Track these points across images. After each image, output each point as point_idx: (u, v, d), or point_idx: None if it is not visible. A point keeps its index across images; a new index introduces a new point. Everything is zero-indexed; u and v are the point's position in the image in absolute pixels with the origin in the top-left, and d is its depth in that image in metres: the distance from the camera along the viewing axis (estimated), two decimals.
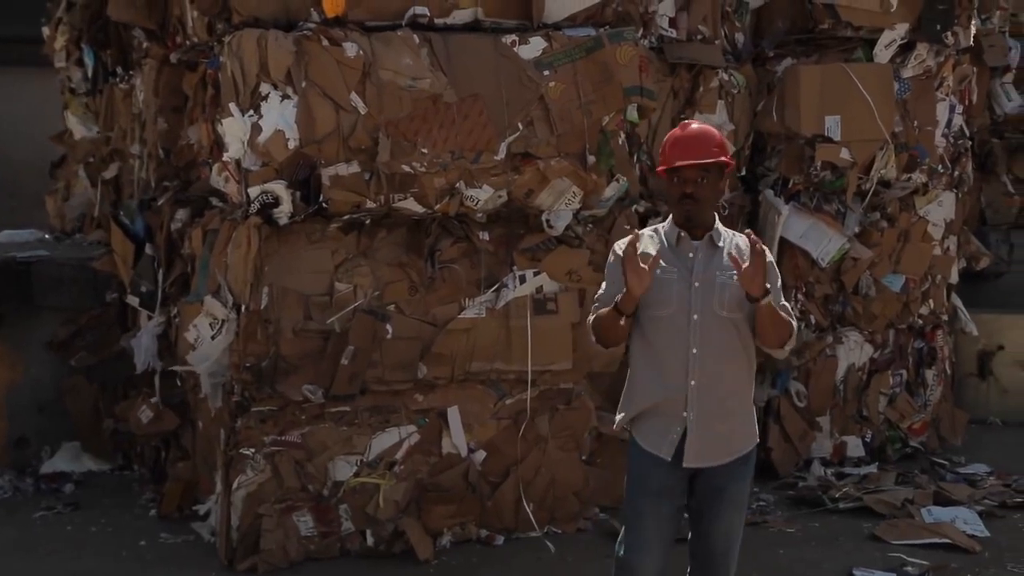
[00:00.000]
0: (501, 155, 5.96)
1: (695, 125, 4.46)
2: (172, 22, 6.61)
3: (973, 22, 8.08)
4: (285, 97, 5.68)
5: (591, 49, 6.13)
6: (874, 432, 7.80)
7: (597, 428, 6.44)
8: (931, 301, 8.04)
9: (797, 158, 7.53)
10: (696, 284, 4.27)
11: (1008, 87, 9.45)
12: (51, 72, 8.97)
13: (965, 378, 8.80)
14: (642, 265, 4.12)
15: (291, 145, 5.69)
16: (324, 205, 5.77)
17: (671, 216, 4.40)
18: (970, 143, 8.45)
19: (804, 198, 7.59)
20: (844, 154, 7.45)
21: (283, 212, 5.74)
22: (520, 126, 5.99)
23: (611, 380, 6.32)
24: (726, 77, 7.45)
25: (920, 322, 8.02)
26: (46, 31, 8.82)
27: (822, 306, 7.68)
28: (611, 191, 6.29)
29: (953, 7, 7.74)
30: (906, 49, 7.65)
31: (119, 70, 7.67)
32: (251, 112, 5.66)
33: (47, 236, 8.95)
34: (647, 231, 4.43)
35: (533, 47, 6.05)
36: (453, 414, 6.18)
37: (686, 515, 4.46)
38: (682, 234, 4.33)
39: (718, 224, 4.37)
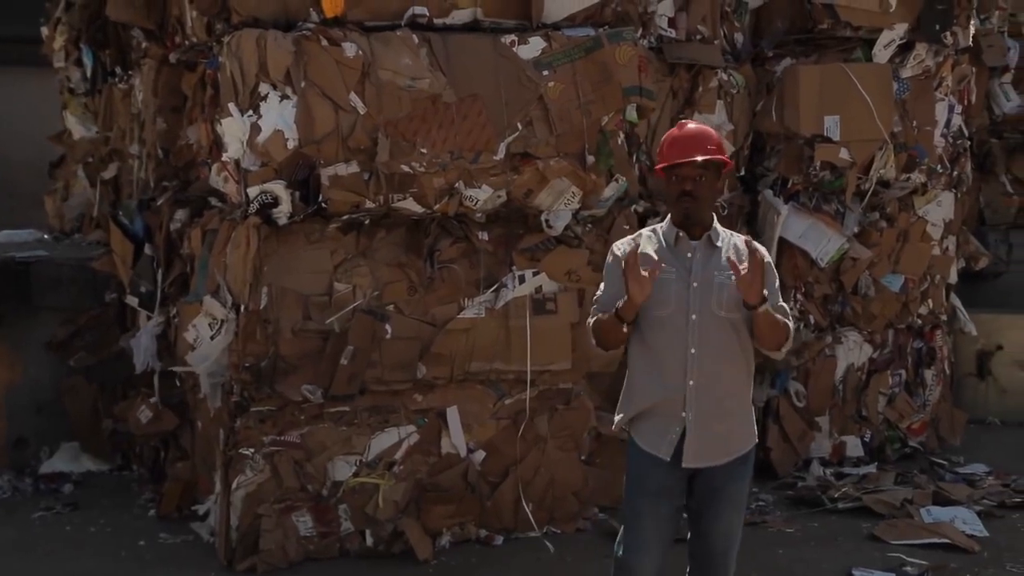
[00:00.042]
0: (500, 155, 5.96)
1: (692, 125, 4.47)
2: (171, 22, 6.61)
3: (972, 22, 8.09)
4: (284, 97, 5.68)
5: (590, 49, 6.13)
6: (873, 432, 7.80)
7: (596, 428, 6.44)
8: (930, 301, 8.04)
9: (796, 158, 7.54)
10: (694, 284, 4.27)
11: (1007, 87, 9.46)
12: (50, 72, 8.97)
13: (964, 378, 8.81)
14: (643, 273, 4.12)
15: (290, 145, 5.69)
16: (323, 205, 5.77)
17: (669, 216, 4.40)
18: (969, 143, 8.45)
19: (803, 198, 7.60)
20: (843, 154, 7.45)
21: (282, 212, 5.74)
22: (519, 126, 5.99)
23: (610, 380, 6.32)
24: (725, 77, 7.45)
25: (919, 322, 8.02)
26: (45, 31, 8.81)
27: (821, 306, 7.69)
28: (610, 191, 6.30)
29: (952, 7, 7.74)
30: (905, 49, 7.65)
31: (118, 70, 7.67)
32: (250, 112, 5.66)
33: (46, 236, 8.95)
34: (646, 231, 4.45)
35: (532, 47, 6.05)
36: (452, 414, 6.18)
37: (685, 515, 4.47)
38: (680, 234, 4.33)
39: (716, 224, 4.37)
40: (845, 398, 7.73)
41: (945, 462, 7.74)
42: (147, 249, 6.95)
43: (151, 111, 6.98)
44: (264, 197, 5.69)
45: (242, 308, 5.81)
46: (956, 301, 8.45)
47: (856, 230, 7.67)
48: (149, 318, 6.90)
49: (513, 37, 6.05)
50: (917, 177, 7.78)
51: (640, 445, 4.38)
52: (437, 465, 6.19)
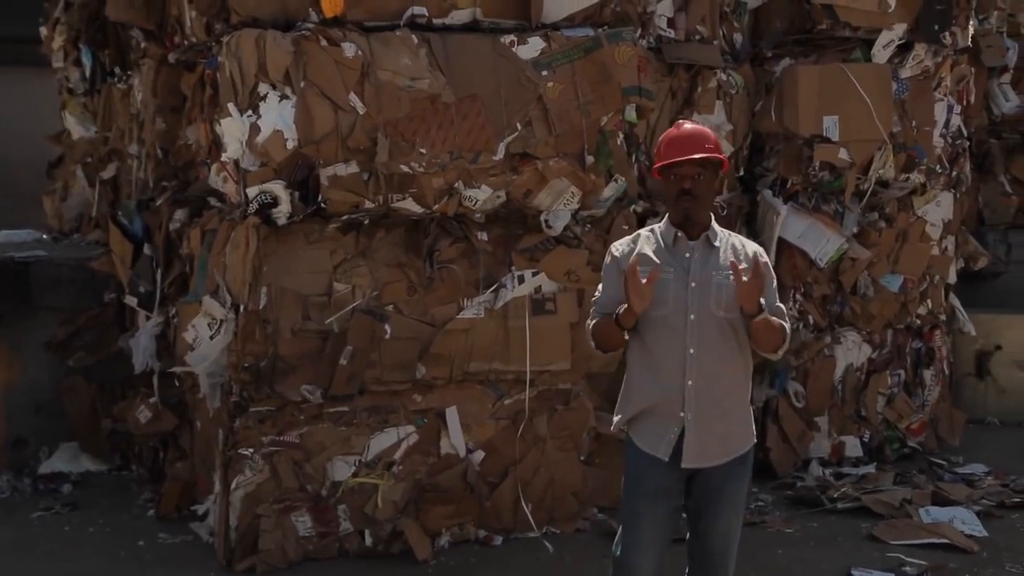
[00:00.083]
0: (500, 155, 5.96)
1: (689, 125, 4.49)
2: (170, 22, 6.61)
3: (971, 22, 8.10)
4: (283, 97, 5.68)
5: (589, 49, 6.13)
6: (872, 432, 7.81)
7: (595, 428, 6.44)
8: (929, 301, 8.05)
9: (795, 158, 7.54)
10: (693, 284, 4.27)
11: (1006, 87, 9.46)
12: (49, 72, 8.97)
13: (963, 378, 8.81)
14: (642, 281, 4.12)
15: (289, 145, 5.69)
16: (323, 205, 5.77)
17: (667, 216, 4.41)
18: (968, 143, 8.46)
19: (802, 198, 7.60)
20: (842, 154, 7.45)
21: (281, 212, 5.73)
22: (518, 126, 5.99)
23: (609, 380, 6.32)
24: (724, 77, 7.45)
25: (918, 322, 8.02)
26: (44, 31, 8.81)
27: (820, 306, 7.69)
28: (609, 191, 6.30)
29: (951, 7, 7.75)
30: (904, 49, 7.66)
31: (117, 70, 7.66)
32: (249, 112, 5.66)
33: (45, 236, 8.96)
34: (644, 231, 4.46)
35: (531, 47, 6.05)
36: (451, 414, 6.18)
37: (684, 515, 4.47)
38: (679, 234, 4.34)
39: (714, 224, 4.38)
40: (844, 398, 7.73)
41: (944, 462, 7.74)
42: (146, 249, 6.95)
43: (150, 111, 6.98)
44: (263, 197, 5.69)
45: (241, 308, 5.81)
46: (955, 301, 8.45)
47: (855, 230, 7.67)
48: (148, 318, 6.90)
49: (512, 37, 6.05)
50: (916, 177, 7.78)
51: (638, 445, 4.38)
52: (436, 465, 6.19)
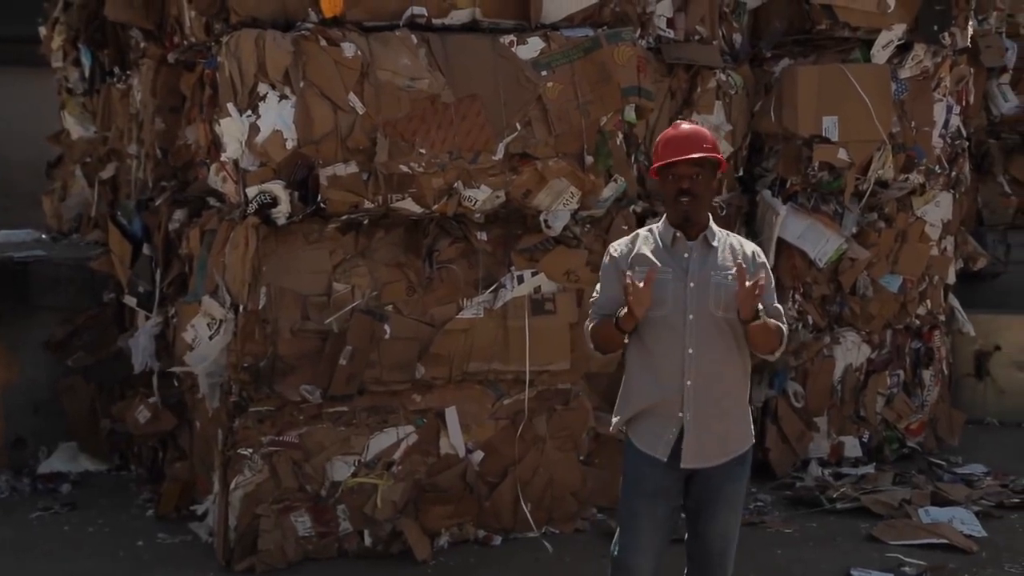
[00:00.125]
0: (499, 155, 5.96)
1: (687, 125, 4.49)
2: (170, 22, 6.61)
3: (970, 23, 8.10)
4: (283, 97, 5.68)
5: (589, 49, 6.13)
6: (871, 432, 7.81)
7: (595, 428, 6.44)
8: (928, 301, 8.05)
9: (795, 158, 7.54)
10: (691, 284, 4.28)
11: (1005, 88, 9.47)
12: (48, 72, 8.97)
13: (962, 378, 8.81)
14: (640, 284, 4.12)
15: (289, 145, 5.69)
16: (322, 205, 5.77)
17: (665, 216, 4.41)
18: (967, 144, 8.46)
19: (802, 198, 7.60)
20: (842, 154, 7.46)
21: (281, 212, 5.73)
22: (518, 126, 5.99)
23: (609, 380, 6.32)
24: (724, 77, 7.45)
25: (917, 322, 8.02)
26: (43, 31, 8.81)
27: (820, 306, 7.69)
28: (609, 191, 6.30)
29: (950, 8, 7.75)
30: (903, 50, 7.66)
31: (116, 70, 7.66)
32: (249, 112, 5.66)
33: (44, 236, 8.96)
34: (642, 231, 4.46)
35: (531, 47, 6.05)
36: (451, 414, 6.18)
37: (683, 515, 4.47)
38: (677, 234, 4.34)
39: (712, 224, 4.38)
40: (843, 398, 7.73)
41: (943, 462, 7.74)
42: (145, 249, 6.96)
43: (149, 111, 6.97)
44: (263, 197, 5.69)
45: (241, 308, 5.81)
46: (954, 301, 8.45)
47: (854, 230, 7.67)
48: (147, 318, 6.90)
49: (512, 37, 6.05)
50: (915, 177, 7.79)
51: (637, 446, 4.38)
52: (436, 465, 6.19)
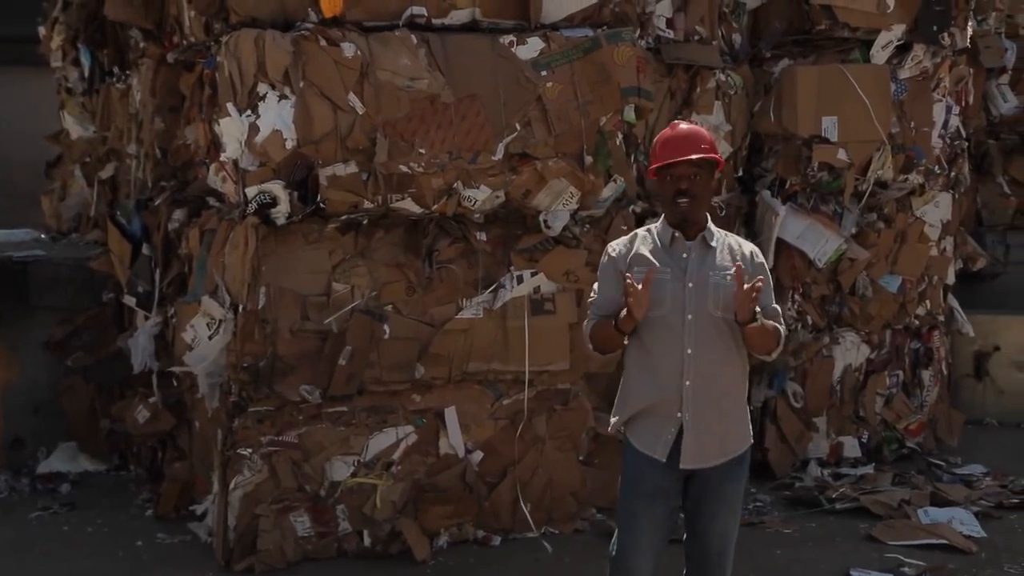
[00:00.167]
0: (499, 155, 5.96)
1: (684, 125, 4.49)
2: (169, 22, 6.61)
3: (969, 23, 8.11)
4: (283, 97, 5.68)
5: (588, 50, 6.13)
6: (871, 433, 7.81)
7: (594, 428, 6.44)
8: (927, 302, 8.05)
9: (794, 159, 7.54)
10: (690, 284, 4.28)
11: (1004, 88, 9.47)
12: (47, 71, 8.97)
13: (961, 379, 8.81)
14: (639, 287, 4.12)
15: (288, 145, 5.69)
16: (321, 205, 5.77)
17: (663, 216, 4.41)
18: (966, 144, 8.47)
19: (801, 199, 7.60)
20: (841, 155, 7.46)
21: (280, 212, 5.73)
22: (518, 126, 5.99)
23: (608, 380, 6.32)
24: (723, 78, 7.45)
25: (916, 323, 8.02)
26: (42, 30, 8.81)
27: (819, 307, 7.69)
28: (608, 192, 6.30)
29: (949, 8, 7.75)
30: (903, 50, 7.66)
31: (116, 70, 7.66)
32: (248, 112, 5.66)
33: (43, 236, 8.95)
34: (641, 231, 4.46)
35: (531, 47, 6.05)
36: (450, 414, 6.18)
37: (681, 516, 4.47)
38: (676, 234, 4.35)
39: (710, 224, 4.38)
40: (843, 399, 7.73)
41: (942, 463, 7.74)
42: (145, 249, 6.95)
43: (149, 111, 6.97)
44: (262, 197, 5.69)
45: (240, 308, 5.81)
46: (953, 302, 8.45)
47: (854, 231, 7.67)
48: (147, 318, 6.90)
49: (511, 37, 6.05)
50: (915, 178, 7.79)
51: (636, 446, 4.38)
52: (435, 465, 6.18)
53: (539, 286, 6.23)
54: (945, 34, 7.74)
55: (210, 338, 5.93)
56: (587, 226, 6.36)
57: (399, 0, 5.94)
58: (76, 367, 7.44)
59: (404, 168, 5.82)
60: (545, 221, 6.23)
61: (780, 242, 7.50)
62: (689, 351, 4.25)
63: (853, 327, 7.75)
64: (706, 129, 4.88)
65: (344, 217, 5.90)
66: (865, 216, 7.75)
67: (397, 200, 5.87)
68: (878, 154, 7.55)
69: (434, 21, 6.01)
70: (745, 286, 4.14)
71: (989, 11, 8.97)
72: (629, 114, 6.28)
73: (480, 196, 6.00)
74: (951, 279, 8.30)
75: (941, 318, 8.24)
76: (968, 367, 8.85)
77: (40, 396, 7.43)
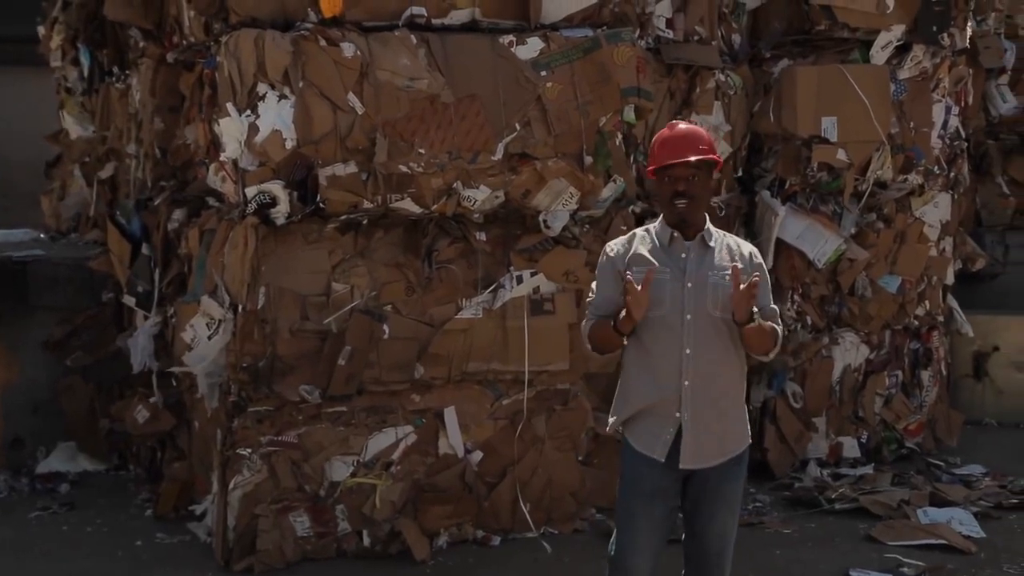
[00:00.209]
0: (498, 155, 5.96)
1: (683, 125, 4.49)
2: (169, 22, 6.61)
3: (969, 24, 8.11)
4: (282, 97, 5.68)
5: (588, 50, 6.13)
6: (870, 433, 7.81)
7: (594, 428, 6.44)
8: (927, 302, 8.05)
9: (794, 159, 7.55)
10: (689, 284, 4.28)
11: (1003, 89, 9.48)
12: (47, 71, 8.97)
13: (961, 379, 8.82)
14: (638, 288, 4.13)
15: (288, 145, 5.69)
16: (321, 205, 5.77)
17: (662, 216, 4.41)
18: (966, 144, 8.47)
19: (801, 199, 7.60)
20: (840, 155, 7.46)
21: (280, 212, 5.73)
22: (517, 126, 5.99)
23: (608, 380, 6.31)
24: (723, 78, 7.45)
25: (916, 323, 8.03)
26: (42, 30, 8.81)
27: (818, 307, 7.69)
28: (608, 192, 6.30)
29: (949, 9, 7.76)
30: (902, 51, 7.67)
31: (115, 69, 7.66)
32: (248, 112, 5.66)
33: (42, 236, 8.95)
34: (639, 231, 4.46)
35: (530, 47, 6.05)
36: (450, 414, 6.18)
37: (680, 515, 4.47)
38: (674, 234, 4.34)
39: (709, 224, 4.38)
40: (842, 399, 7.73)
41: (942, 463, 7.74)
42: (144, 249, 6.95)
43: (148, 111, 6.97)
44: (262, 197, 5.69)
45: (240, 308, 5.81)
46: (953, 302, 8.46)
47: (853, 231, 7.68)
48: (146, 318, 6.90)
49: (511, 37, 6.05)
50: (914, 178, 7.79)
51: (634, 446, 4.38)
52: (434, 465, 6.18)
53: (539, 286, 6.23)
54: (945, 34, 7.75)
55: (209, 338, 5.93)
56: (587, 226, 6.36)
57: (399, 0, 5.94)
58: (75, 367, 7.44)
59: (404, 168, 5.82)
60: (545, 221, 6.23)
61: (780, 242, 7.50)
62: (688, 351, 4.25)
63: (852, 327, 7.76)
64: (705, 129, 4.88)
65: (344, 217, 5.90)
66: (864, 216, 7.75)
67: (397, 200, 5.87)
68: (877, 154, 7.55)
69: (434, 21, 6.01)
70: (742, 286, 4.13)
71: (988, 11, 8.98)
72: (629, 114, 6.28)
73: (480, 196, 6.00)
74: (950, 279, 8.31)
75: (940, 318, 8.24)
76: (967, 367, 8.85)
77: (39, 396, 7.43)
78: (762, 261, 4.42)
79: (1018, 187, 9.73)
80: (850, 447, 7.71)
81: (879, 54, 7.59)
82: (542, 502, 6.37)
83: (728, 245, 4.36)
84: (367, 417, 6.06)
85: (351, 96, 5.74)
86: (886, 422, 7.86)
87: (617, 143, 6.26)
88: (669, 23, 7.26)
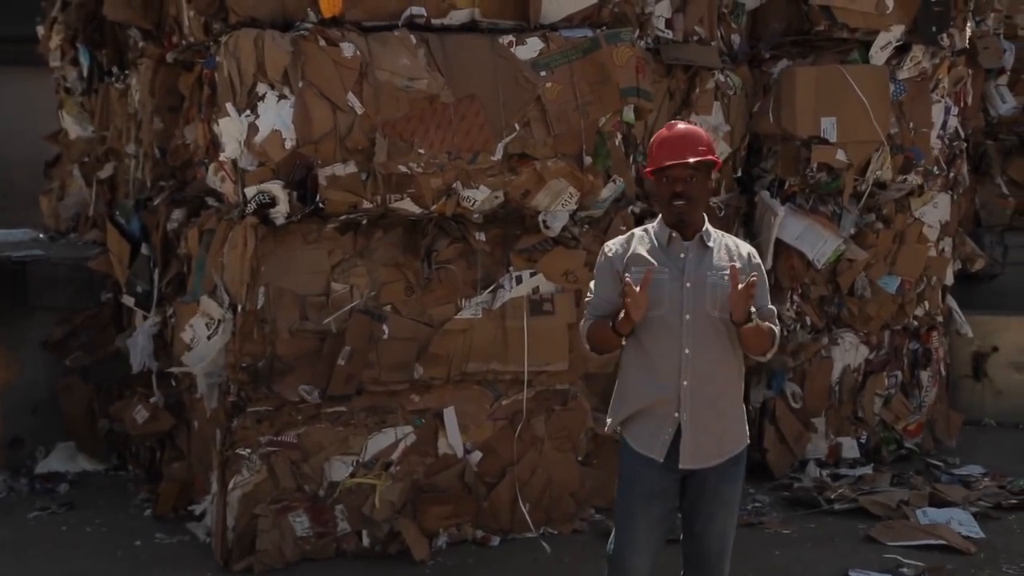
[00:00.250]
0: (498, 156, 5.96)
1: (681, 125, 4.48)
2: (168, 22, 6.60)
3: (968, 24, 8.11)
4: (282, 97, 5.68)
5: (588, 50, 6.13)
6: (869, 433, 7.81)
7: (593, 429, 6.44)
8: (926, 303, 8.05)
9: (793, 159, 7.55)
10: (688, 285, 4.28)
11: (1003, 89, 9.49)
12: (46, 71, 8.97)
13: (960, 380, 8.82)
14: (636, 289, 4.13)
15: (288, 145, 5.68)
16: (321, 205, 5.77)
17: (661, 216, 4.41)
18: (965, 145, 8.47)
19: (800, 199, 7.61)
20: (840, 156, 7.46)
21: (279, 212, 5.73)
22: (517, 127, 5.99)
23: (607, 381, 6.27)
24: (722, 78, 7.45)
25: (915, 323, 8.03)
26: (41, 30, 8.81)
27: (818, 307, 7.69)
28: (607, 192, 6.30)
29: (948, 9, 7.76)
30: (902, 51, 7.67)
31: (115, 69, 7.66)
32: (248, 112, 5.66)
33: (42, 236, 8.95)
34: (638, 231, 4.46)
35: (530, 48, 6.05)
36: (449, 414, 6.18)
37: (679, 515, 4.47)
38: (673, 235, 4.34)
39: (708, 224, 4.38)
40: (841, 399, 7.73)
41: (941, 463, 7.74)
42: (144, 249, 6.95)
43: (148, 111, 6.97)
44: (261, 197, 5.69)
45: (239, 308, 5.81)
46: (952, 303, 8.46)
47: (852, 231, 7.68)
48: (145, 318, 6.90)
49: (511, 38, 6.05)
50: (913, 179, 7.79)
51: (633, 447, 4.38)
52: (434, 466, 6.18)
53: (538, 286, 6.23)
54: (944, 35, 7.75)
55: (209, 338, 5.93)
56: (586, 226, 6.36)
57: (398, 0, 5.95)
58: (75, 367, 7.44)
59: (403, 168, 5.82)
60: (544, 221, 6.23)
61: (779, 243, 7.50)
62: (687, 351, 4.25)
63: (852, 328, 7.76)
64: (705, 130, 4.88)
65: (343, 217, 5.90)
66: (864, 217, 7.75)
67: (396, 200, 5.87)
68: (877, 155, 7.55)
69: (433, 21, 6.01)
70: (740, 286, 4.13)
71: (988, 12, 8.98)
72: (628, 114, 6.28)
73: (479, 196, 6.00)
74: (950, 280, 8.31)
75: (940, 319, 8.24)
76: (966, 368, 8.86)
77: (39, 396, 7.43)
78: (760, 261, 4.42)
79: (1017, 187, 9.73)
80: (849, 447, 7.71)
81: (878, 54, 7.59)
82: (541, 502, 6.37)
83: (727, 245, 4.36)
84: (366, 417, 6.06)
85: (351, 96, 5.74)
86: (885, 422, 7.86)
87: (616, 143, 6.26)
88: (668, 23, 7.26)
